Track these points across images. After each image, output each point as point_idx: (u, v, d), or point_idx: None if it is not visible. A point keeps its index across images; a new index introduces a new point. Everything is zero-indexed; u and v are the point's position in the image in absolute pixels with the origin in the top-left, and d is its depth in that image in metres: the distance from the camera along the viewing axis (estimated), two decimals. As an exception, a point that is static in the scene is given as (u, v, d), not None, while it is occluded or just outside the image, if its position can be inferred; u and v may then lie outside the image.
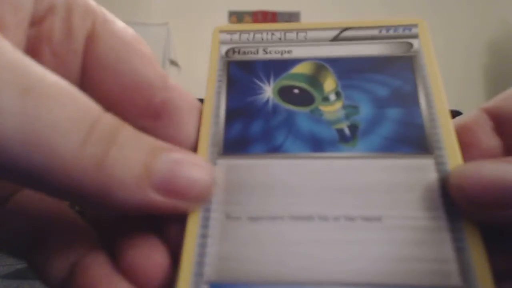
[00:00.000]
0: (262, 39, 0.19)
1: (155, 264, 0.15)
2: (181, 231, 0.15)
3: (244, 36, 0.19)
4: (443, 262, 0.14)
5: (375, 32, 0.19)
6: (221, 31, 0.20)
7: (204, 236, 0.15)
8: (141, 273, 0.14)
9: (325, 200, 0.15)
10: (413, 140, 0.16)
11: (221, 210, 0.15)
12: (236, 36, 0.19)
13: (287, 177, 0.16)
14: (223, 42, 0.19)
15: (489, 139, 0.16)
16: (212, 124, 0.17)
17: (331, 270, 0.14)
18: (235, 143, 0.17)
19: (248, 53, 0.19)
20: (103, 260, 0.15)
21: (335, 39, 0.19)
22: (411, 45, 0.18)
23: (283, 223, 0.15)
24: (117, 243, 0.15)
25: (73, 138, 0.12)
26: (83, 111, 0.12)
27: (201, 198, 0.15)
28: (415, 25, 0.19)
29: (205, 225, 0.15)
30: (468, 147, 0.16)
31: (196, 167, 0.14)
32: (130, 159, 0.13)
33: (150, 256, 0.15)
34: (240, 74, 0.18)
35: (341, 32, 0.19)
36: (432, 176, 0.15)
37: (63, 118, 0.12)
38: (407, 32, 0.19)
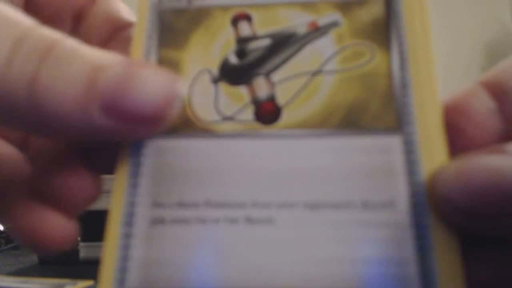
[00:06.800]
0: None
1: (75, 187, 0.14)
2: (111, 158, 0.14)
3: None
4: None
5: None
6: None
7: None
8: (60, 197, 0.14)
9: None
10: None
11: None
12: None
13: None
14: None
15: (487, 120, 0.13)
16: None
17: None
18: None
19: None
20: (24, 193, 0.15)
21: None
22: None
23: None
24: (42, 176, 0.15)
25: None
26: (8, 26, 0.11)
27: (158, 120, 0.12)
28: None
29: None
30: (460, 131, 0.13)
31: (153, 82, 0.12)
32: (67, 75, 0.11)
33: (70, 180, 0.14)
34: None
35: None
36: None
37: None
38: None
